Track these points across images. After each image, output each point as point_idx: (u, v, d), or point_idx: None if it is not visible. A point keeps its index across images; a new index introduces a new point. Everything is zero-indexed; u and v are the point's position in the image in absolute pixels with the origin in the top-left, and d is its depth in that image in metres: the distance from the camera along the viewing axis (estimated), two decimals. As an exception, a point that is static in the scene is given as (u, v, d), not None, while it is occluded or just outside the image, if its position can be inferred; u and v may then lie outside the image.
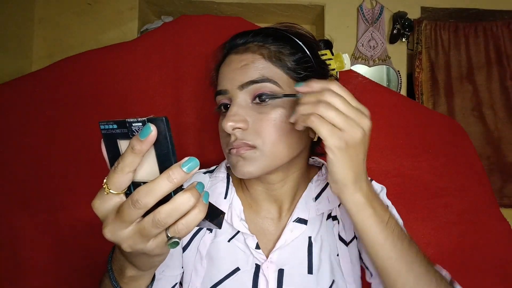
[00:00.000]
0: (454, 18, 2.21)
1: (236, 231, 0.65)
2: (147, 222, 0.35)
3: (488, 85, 2.07)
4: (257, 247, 0.63)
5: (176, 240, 0.37)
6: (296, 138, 0.59)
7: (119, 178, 0.35)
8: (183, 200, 0.35)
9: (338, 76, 0.69)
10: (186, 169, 0.35)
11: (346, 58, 0.67)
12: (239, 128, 0.57)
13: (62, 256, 0.92)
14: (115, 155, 0.38)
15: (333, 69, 0.67)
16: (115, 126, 0.37)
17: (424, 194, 0.91)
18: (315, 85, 0.48)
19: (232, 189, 0.69)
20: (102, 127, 0.37)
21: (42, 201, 0.93)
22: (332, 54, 0.68)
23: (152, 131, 0.34)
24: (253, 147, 0.57)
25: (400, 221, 0.67)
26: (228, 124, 0.56)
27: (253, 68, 0.57)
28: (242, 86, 0.57)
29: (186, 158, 0.35)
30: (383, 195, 0.70)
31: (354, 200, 0.48)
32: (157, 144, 0.36)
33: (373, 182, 0.72)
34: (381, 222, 0.49)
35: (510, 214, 1.45)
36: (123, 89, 0.97)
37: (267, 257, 0.63)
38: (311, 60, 0.61)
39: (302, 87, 0.49)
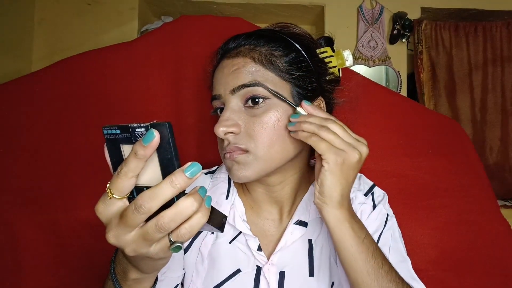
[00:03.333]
0: (454, 18, 2.21)
1: (237, 232, 0.65)
2: (151, 226, 0.36)
3: (487, 86, 2.08)
4: (259, 248, 0.63)
5: (179, 244, 0.37)
6: (291, 140, 0.59)
7: (122, 183, 0.36)
8: (186, 205, 0.35)
9: (340, 74, 0.69)
10: (189, 174, 0.35)
11: (347, 54, 0.66)
12: (232, 133, 0.57)
13: (62, 256, 0.92)
14: (118, 159, 0.38)
15: (334, 66, 0.66)
16: (118, 131, 0.37)
17: (424, 194, 0.91)
18: (321, 113, 0.54)
19: (233, 189, 0.68)
20: (105, 131, 0.37)
21: (42, 201, 0.93)
22: (333, 51, 0.67)
23: (155, 136, 0.34)
24: (246, 151, 0.57)
25: (398, 230, 0.67)
26: (220, 129, 0.56)
27: (244, 72, 0.57)
28: (234, 91, 0.57)
29: (188, 164, 0.36)
30: (384, 202, 0.69)
31: (334, 214, 0.52)
32: (160, 149, 0.36)
33: (376, 188, 0.71)
34: (357, 238, 0.52)
35: (510, 214, 1.45)
36: (123, 89, 0.97)
37: (268, 258, 0.63)
38: (305, 60, 0.61)
39: (308, 106, 0.55)
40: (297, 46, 0.61)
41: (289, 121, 0.56)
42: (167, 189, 0.35)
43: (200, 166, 0.36)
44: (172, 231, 0.37)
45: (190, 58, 0.96)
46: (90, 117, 0.96)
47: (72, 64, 0.99)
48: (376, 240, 0.63)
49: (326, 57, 0.66)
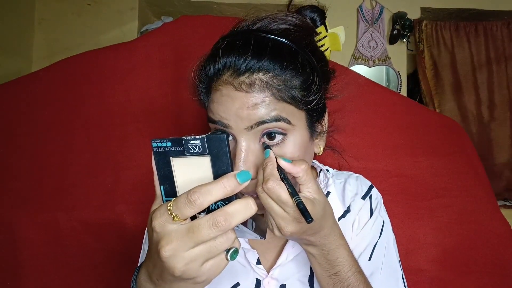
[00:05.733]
0: (454, 18, 2.21)
1: None
2: (218, 240, 0.36)
3: (488, 85, 2.08)
4: (258, 262, 0.62)
5: (235, 248, 0.37)
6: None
7: (191, 212, 0.35)
8: (244, 205, 0.36)
9: (329, 56, 0.63)
10: (240, 180, 0.36)
11: (342, 34, 0.61)
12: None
13: (62, 256, 0.92)
14: (166, 173, 0.37)
15: (327, 49, 0.61)
16: (169, 144, 0.36)
17: (424, 194, 0.91)
18: (301, 174, 0.47)
19: None
20: (154, 144, 0.37)
21: (42, 201, 0.93)
22: (326, 29, 0.61)
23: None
24: None
25: (392, 237, 0.66)
26: None
27: (262, 107, 0.49)
28: (252, 127, 0.50)
29: (240, 170, 0.37)
30: (380, 208, 0.68)
31: (304, 248, 0.53)
32: (216, 161, 0.36)
33: (373, 190, 0.69)
34: (324, 272, 0.53)
35: (510, 214, 1.45)
36: (123, 89, 0.97)
37: (268, 271, 0.61)
38: (317, 77, 0.55)
39: (287, 165, 0.48)
40: (313, 60, 0.54)
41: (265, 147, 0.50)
42: (219, 189, 0.35)
43: (250, 175, 0.36)
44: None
45: (190, 58, 0.95)
46: (90, 117, 0.96)
47: (72, 64, 0.99)
48: (370, 251, 0.63)
49: (319, 40, 0.60)
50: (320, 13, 0.64)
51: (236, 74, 0.50)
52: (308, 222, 0.40)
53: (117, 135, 0.95)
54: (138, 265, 0.51)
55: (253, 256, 0.62)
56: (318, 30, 0.62)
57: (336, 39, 0.62)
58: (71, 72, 0.99)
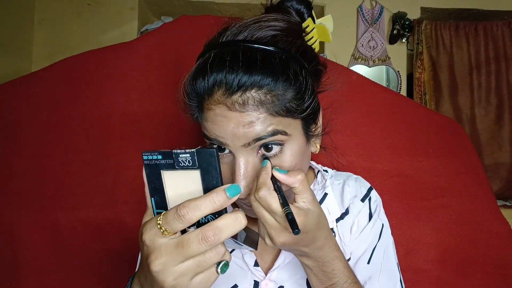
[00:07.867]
0: (454, 19, 2.21)
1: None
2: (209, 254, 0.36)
3: (486, 85, 2.09)
4: (256, 264, 0.62)
5: (226, 261, 0.37)
6: (305, 168, 0.56)
7: (181, 226, 0.35)
8: (234, 219, 0.36)
9: (318, 48, 0.62)
10: (229, 194, 0.36)
11: (330, 24, 0.59)
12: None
13: (62, 256, 0.92)
14: (157, 185, 0.38)
15: (315, 41, 0.60)
16: (159, 157, 0.37)
17: (424, 194, 0.91)
18: (297, 184, 0.47)
19: None
20: (145, 157, 0.37)
21: (42, 201, 0.93)
22: (314, 20, 0.60)
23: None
24: None
25: (391, 240, 0.66)
26: (242, 193, 0.50)
27: (258, 125, 0.48)
28: (248, 144, 0.49)
29: (230, 185, 0.37)
30: (380, 211, 0.67)
31: (299, 260, 0.53)
32: (205, 175, 0.36)
33: (372, 192, 0.68)
34: (320, 283, 0.53)
35: (510, 214, 1.45)
36: (123, 89, 0.97)
37: (266, 273, 0.61)
38: (310, 83, 0.53)
39: (281, 175, 0.48)
40: (304, 64, 0.53)
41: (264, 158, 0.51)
42: (208, 204, 0.35)
43: (240, 189, 0.37)
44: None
45: (190, 58, 0.95)
46: (90, 117, 0.96)
47: (72, 64, 0.99)
48: (369, 255, 0.63)
49: (307, 34, 0.58)
50: (307, 4, 0.62)
51: (228, 93, 0.48)
52: (295, 233, 0.40)
53: (117, 135, 0.95)
54: (136, 269, 0.51)
55: (250, 258, 0.62)
56: (305, 23, 0.60)
57: (324, 31, 0.61)
58: (71, 72, 0.99)
